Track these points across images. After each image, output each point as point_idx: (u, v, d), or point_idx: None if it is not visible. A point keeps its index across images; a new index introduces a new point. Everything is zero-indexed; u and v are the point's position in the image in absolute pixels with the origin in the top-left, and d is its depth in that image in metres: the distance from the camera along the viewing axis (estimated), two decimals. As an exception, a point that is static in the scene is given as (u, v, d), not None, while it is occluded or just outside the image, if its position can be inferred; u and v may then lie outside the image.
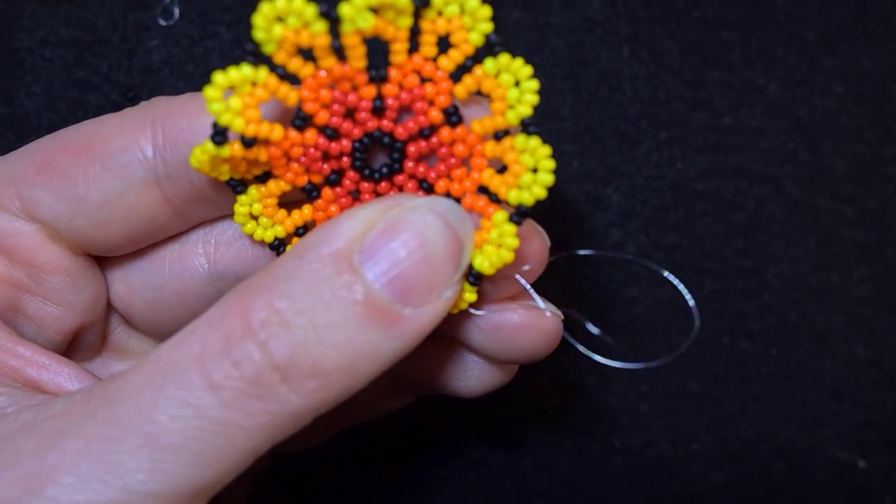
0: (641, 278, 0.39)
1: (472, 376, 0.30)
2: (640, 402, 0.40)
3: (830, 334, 0.39)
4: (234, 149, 0.24)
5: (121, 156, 0.26)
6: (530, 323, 0.28)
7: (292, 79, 0.24)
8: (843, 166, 0.39)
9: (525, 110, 0.24)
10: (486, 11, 0.24)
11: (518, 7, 0.39)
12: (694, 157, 0.39)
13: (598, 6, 0.39)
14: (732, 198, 0.39)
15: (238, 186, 0.26)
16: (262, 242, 0.27)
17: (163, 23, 0.39)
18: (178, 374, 0.22)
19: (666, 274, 0.35)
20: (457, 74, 0.25)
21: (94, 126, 0.27)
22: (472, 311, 0.28)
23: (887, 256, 0.39)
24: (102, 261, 0.30)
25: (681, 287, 0.35)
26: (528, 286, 0.27)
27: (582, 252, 0.27)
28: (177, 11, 0.38)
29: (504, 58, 0.24)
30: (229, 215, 0.28)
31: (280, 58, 0.24)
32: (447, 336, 0.29)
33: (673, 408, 0.39)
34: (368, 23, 0.23)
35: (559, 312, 0.29)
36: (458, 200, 0.26)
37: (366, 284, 0.23)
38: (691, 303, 0.35)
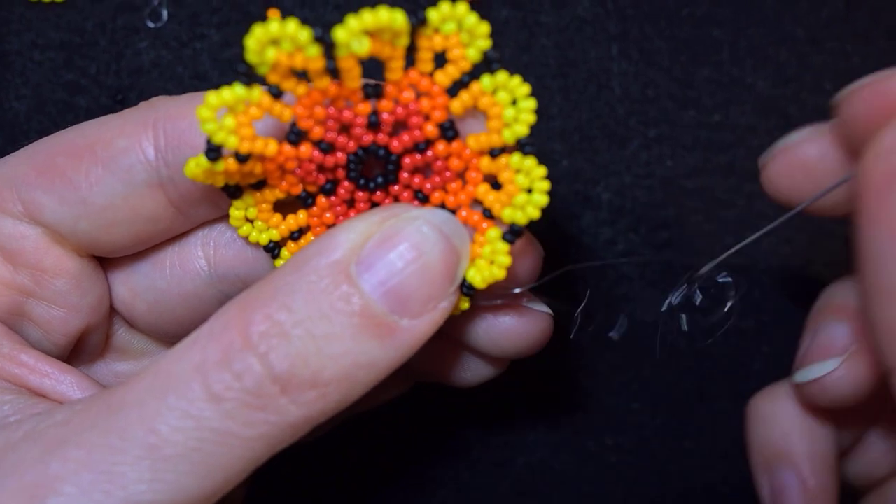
0: (633, 277, 0.39)
1: (468, 369, 0.31)
2: (632, 401, 0.40)
3: (821, 331, 0.39)
4: (228, 163, 0.24)
5: (123, 158, 0.26)
6: (521, 323, 0.29)
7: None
8: (833, 163, 0.39)
9: (521, 130, 0.24)
10: (485, 28, 0.24)
11: (507, 6, 0.39)
12: (684, 154, 0.39)
13: (587, 5, 0.39)
14: (723, 195, 0.39)
15: (234, 191, 0.26)
16: (257, 245, 0.27)
17: (151, 25, 0.38)
18: (180, 384, 0.22)
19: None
20: (454, 90, 0.25)
21: (95, 128, 0.27)
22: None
23: (877, 253, 0.39)
24: (104, 264, 0.30)
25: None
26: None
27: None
28: (165, 14, 0.38)
29: (502, 75, 0.24)
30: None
31: (273, 79, 0.23)
32: (444, 332, 0.29)
33: (666, 406, 0.39)
34: (364, 48, 0.22)
35: (549, 311, 0.29)
36: (453, 213, 0.26)
37: (363, 296, 0.23)
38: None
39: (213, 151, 0.24)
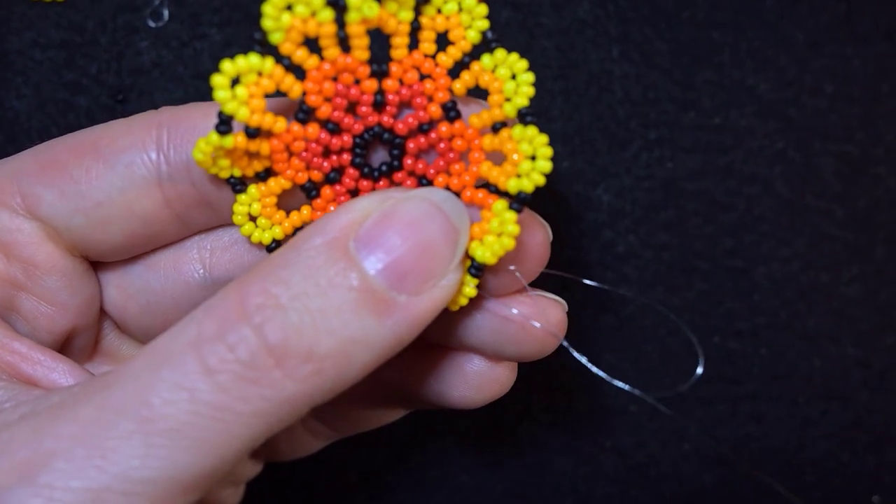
0: (632, 280, 0.39)
1: (471, 385, 0.30)
2: (630, 403, 0.40)
3: (820, 334, 0.39)
4: (237, 139, 0.25)
5: (125, 154, 0.27)
6: (537, 313, 0.28)
7: (297, 74, 0.25)
8: (833, 166, 0.39)
9: (522, 101, 0.25)
10: (483, 9, 0.25)
11: (508, 8, 0.39)
12: (684, 157, 0.39)
13: (587, 7, 0.39)
14: (722, 198, 0.39)
15: (238, 185, 0.27)
16: (259, 244, 0.28)
17: (152, 24, 0.38)
18: (174, 358, 0.22)
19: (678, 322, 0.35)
20: (455, 71, 0.26)
21: (102, 128, 0.28)
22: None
23: (877, 256, 0.39)
24: (97, 266, 0.30)
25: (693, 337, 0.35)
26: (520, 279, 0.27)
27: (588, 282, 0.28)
28: (166, 13, 0.38)
29: (500, 53, 0.25)
30: (226, 223, 0.28)
31: (286, 48, 0.24)
32: (445, 345, 0.29)
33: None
34: (374, 11, 0.24)
35: (563, 301, 0.28)
36: (457, 195, 0.26)
37: (361, 271, 0.23)
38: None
39: (224, 124, 0.24)
